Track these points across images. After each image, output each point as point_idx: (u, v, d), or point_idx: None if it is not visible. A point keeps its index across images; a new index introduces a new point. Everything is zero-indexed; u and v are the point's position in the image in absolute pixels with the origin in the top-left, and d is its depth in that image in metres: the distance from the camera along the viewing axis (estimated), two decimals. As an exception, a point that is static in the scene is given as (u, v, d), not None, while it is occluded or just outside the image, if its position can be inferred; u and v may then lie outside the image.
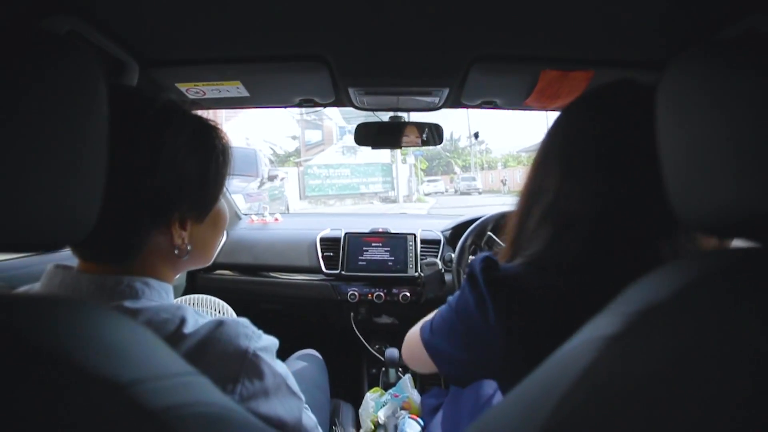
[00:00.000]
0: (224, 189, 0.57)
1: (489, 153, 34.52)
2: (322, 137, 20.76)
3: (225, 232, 1.65)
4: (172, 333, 0.45)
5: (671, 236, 0.49)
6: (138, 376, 0.28)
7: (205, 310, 1.27)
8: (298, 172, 18.42)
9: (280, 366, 0.51)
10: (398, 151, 18.40)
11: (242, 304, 1.47)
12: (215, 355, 0.45)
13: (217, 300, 1.31)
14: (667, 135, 0.38)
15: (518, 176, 28.93)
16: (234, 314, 1.30)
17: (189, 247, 0.52)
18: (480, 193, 25.88)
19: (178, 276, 1.45)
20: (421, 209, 16.08)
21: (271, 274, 1.62)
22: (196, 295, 1.29)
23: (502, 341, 0.53)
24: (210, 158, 0.53)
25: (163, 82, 0.94)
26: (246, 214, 1.91)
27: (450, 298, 0.64)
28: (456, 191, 27.56)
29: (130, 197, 0.46)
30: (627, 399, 0.27)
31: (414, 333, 0.72)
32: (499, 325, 0.53)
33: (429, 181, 28.56)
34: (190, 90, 1.00)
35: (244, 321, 0.50)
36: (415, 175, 24.03)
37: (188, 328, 0.45)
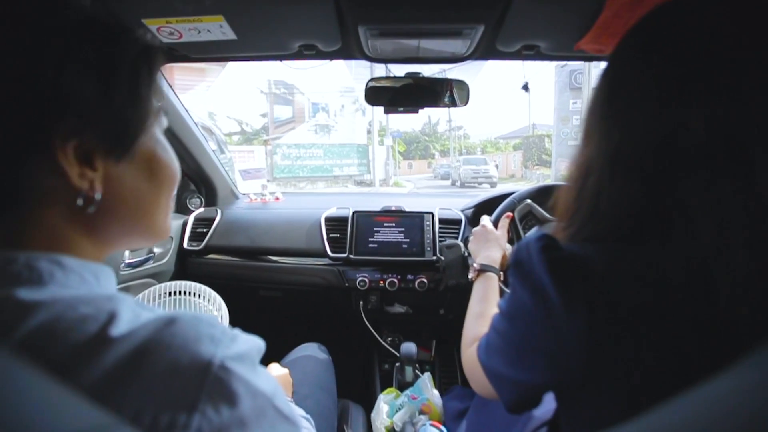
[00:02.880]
0: (158, 116, 0.41)
1: (467, 138, 34.89)
2: (292, 114, 19.15)
3: (220, 212, 1.52)
4: (91, 337, 0.30)
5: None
6: None
7: (190, 300, 1.12)
8: (265, 150, 17.16)
9: (264, 380, 0.35)
10: (375, 131, 18.18)
11: (238, 291, 1.37)
12: (159, 370, 0.30)
13: (206, 288, 1.16)
14: None
15: (498, 161, 27.89)
16: (224, 306, 1.15)
17: (98, 195, 0.36)
18: (494, 184, 17.70)
19: (165, 260, 1.31)
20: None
21: (271, 258, 1.48)
22: (181, 282, 1.13)
23: (578, 339, 0.42)
24: (117, 61, 0.37)
25: (126, 17, 0.75)
26: (244, 194, 1.77)
27: (500, 302, 0.52)
28: (453, 182, 20.21)
29: None
30: None
31: (472, 354, 0.61)
32: (573, 318, 0.42)
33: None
34: (162, 29, 0.81)
35: (210, 318, 0.34)
36: (393, 158, 22.56)
37: (118, 329, 0.30)
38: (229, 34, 0.84)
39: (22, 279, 0.32)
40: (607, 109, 0.47)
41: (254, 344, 0.36)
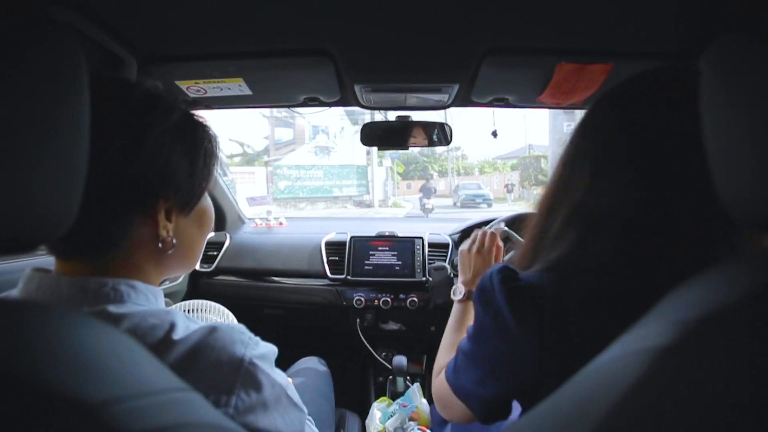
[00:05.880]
0: (212, 183, 0.55)
1: (465, 159, 34.65)
2: (293, 136, 19.69)
3: (229, 236, 1.64)
4: (161, 339, 0.41)
5: (726, 236, 0.45)
6: (113, 395, 0.25)
7: (205, 316, 1.24)
8: (266, 172, 17.60)
9: (279, 375, 0.48)
10: (374, 153, 17.77)
11: (245, 309, 1.46)
12: (207, 364, 0.41)
13: (218, 306, 1.27)
14: (713, 124, 0.34)
15: (495, 182, 27.03)
16: (235, 320, 1.27)
17: (174, 241, 0.49)
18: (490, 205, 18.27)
19: (179, 281, 1.42)
20: (398, 215, 14.74)
21: (275, 278, 1.59)
22: (197, 300, 1.25)
23: (531, 354, 0.49)
24: (198, 147, 0.51)
25: (163, 80, 0.91)
26: (250, 219, 1.89)
27: (468, 327, 0.59)
28: (454, 203, 20.12)
29: (111, 184, 0.43)
30: (685, 417, 0.24)
31: (441, 379, 0.64)
32: (525, 336, 0.49)
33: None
34: (191, 88, 0.96)
35: (240, 327, 0.47)
36: (392, 179, 22.73)
37: (178, 334, 0.42)
38: (246, 91, 0.99)
39: (110, 298, 0.44)
40: (579, 166, 0.52)
41: (271, 348, 0.49)
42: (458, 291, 0.91)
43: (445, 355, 0.78)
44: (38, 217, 0.31)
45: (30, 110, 0.30)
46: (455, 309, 0.88)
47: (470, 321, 0.82)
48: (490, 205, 18.42)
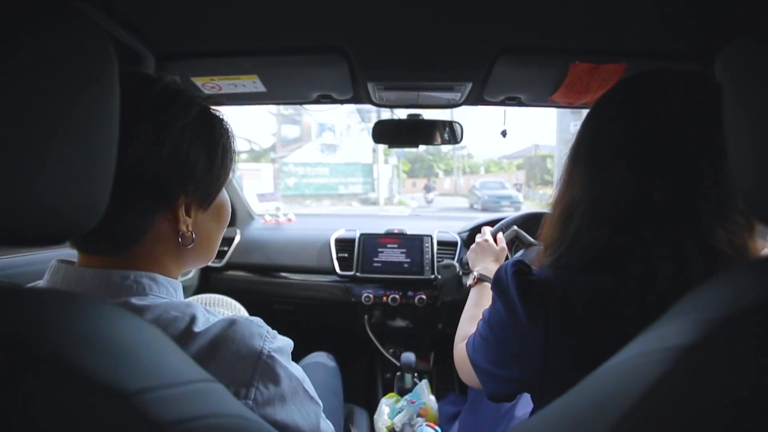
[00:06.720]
0: (230, 177, 0.55)
1: (471, 158, 34.27)
2: (300, 133, 19.98)
3: (239, 232, 1.66)
4: (182, 332, 0.42)
5: (719, 231, 0.46)
6: (146, 384, 0.25)
7: (217, 310, 1.25)
8: (273, 169, 17.80)
9: (296, 369, 0.48)
10: (381, 151, 17.85)
11: (255, 304, 1.47)
12: (227, 356, 0.42)
13: (230, 299, 1.29)
14: (733, 123, 0.34)
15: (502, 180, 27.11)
16: (247, 314, 1.28)
17: (194, 235, 0.50)
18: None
19: (190, 275, 1.44)
20: (403, 212, 13.56)
21: (284, 274, 1.60)
22: (209, 295, 1.27)
23: (539, 347, 0.51)
24: (217, 142, 0.51)
25: (179, 76, 0.92)
26: (260, 215, 1.90)
27: (485, 311, 0.62)
28: (471, 205, 16.27)
29: (134, 179, 0.43)
30: (707, 417, 0.23)
31: (462, 348, 0.69)
32: (534, 328, 0.51)
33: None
34: (206, 84, 0.97)
35: (258, 320, 0.47)
36: (397, 177, 23.05)
37: (199, 327, 0.43)
38: (260, 88, 1.00)
39: (133, 290, 0.45)
40: (590, 163, 0.54)
41: (288, 342, 0.49)
42: (471, 277, 0.97)
43: (465, 325, 0.85)
44: (69, 212, 0.32)
45: (67, 108, 0.31)
46: (472, 292, 0.94)
47: (486, 299, 0.89)
48: (518, 209, 13.67)
